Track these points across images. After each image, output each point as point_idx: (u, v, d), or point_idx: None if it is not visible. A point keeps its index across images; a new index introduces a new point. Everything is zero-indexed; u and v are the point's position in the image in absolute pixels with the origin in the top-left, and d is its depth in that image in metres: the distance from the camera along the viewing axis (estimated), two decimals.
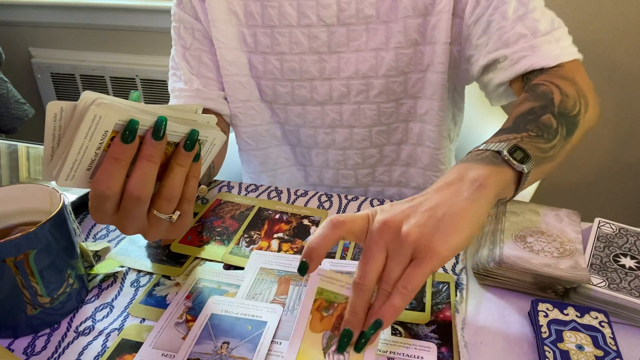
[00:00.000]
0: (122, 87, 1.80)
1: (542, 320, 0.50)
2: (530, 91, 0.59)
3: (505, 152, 0.48)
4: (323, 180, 0.86)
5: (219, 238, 0.64)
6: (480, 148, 0.50)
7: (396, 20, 0.71)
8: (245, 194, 0.75)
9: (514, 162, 0.48)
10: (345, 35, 0.73)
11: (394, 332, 0.50)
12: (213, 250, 0.62)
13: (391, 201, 0.73)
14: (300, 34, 0.74)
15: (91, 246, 0.62)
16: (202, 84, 0.78)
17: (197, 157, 0.48)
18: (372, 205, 0.72)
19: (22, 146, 0.85)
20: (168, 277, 0.58)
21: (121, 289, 0.57)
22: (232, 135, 0.88)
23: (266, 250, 0.62)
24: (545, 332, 0.48)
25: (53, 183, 0.77)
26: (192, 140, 0.46)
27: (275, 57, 0.76)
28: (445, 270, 0.59)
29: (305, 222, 0.68)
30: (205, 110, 0.78)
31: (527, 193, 0.92)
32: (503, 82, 0.67)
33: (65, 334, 0.51)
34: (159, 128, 0.43)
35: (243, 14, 0.75)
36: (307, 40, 0.74)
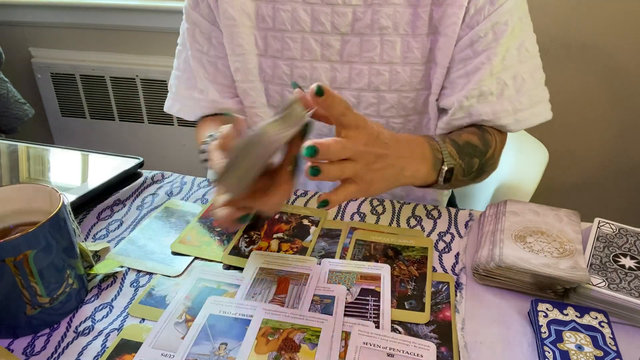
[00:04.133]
0: (122, 87, 1.80)
1: (542, 321, 0.50)
2: (481, 132, 0.71)
3: (445, 169, 0.62)
4: (322, 188, 0.86)
5: (219, 238, 0.64)
6: (441, 147, 0.63)
7: (414, 35, 0.69)
8: None
9: (441, 178, 0.63)
10: (358, 45, 0.72)
11: (394, 330, 0.50)
12: (213, 250, 0.62)
13: (393, 202, 0.73)
14: (313, 40, 0.72)
15: (91, 246, 0.62)
16: (218, 92, 0.79)
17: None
18: (371, 205, 0.72)
19: (22, 146, 0.85)
20: (168, 277, 0.58)
21: (121, 289, 0.57)
22: None
23: (266, 250, 0.62)
24: (545, 332, 0.48)
25: (53, 183, 0.77)
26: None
27: (285, 63, 0.75)
28: (445, 270, 0.59)
29: (305, 222, 0.68)
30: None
31: (527, 193, 0.92)
32: (455, 126, 0.73)
33: (65, 334, 0.51)
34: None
35: (254, 15, 0.73)
36: (319, 47, 0.73)
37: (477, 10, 0.66)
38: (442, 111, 0.75)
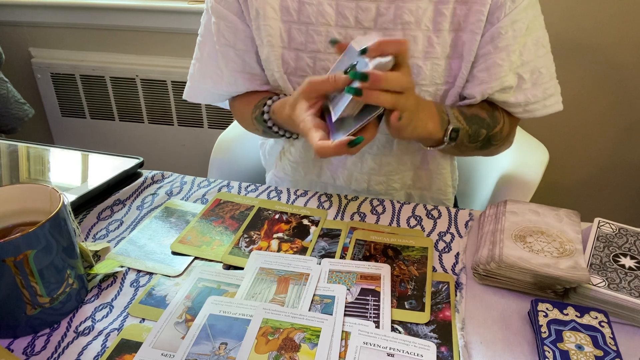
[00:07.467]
0: (122, 87, 1.80)
1: (542, 320, 0.50)
2: (491, 109, 0.76)
3: (450, 128, 0.68)
4: (336, 179, 0.86)
5: (218, 238, 0.64)
6: (447, 110, 0.70)
7: (436, 31, 0.71)
8: (245, 194, 0.75)
9: (447, 137, 0.68)
10: None
11: (394, 330, 0.50)
12: (213, 250, 0.62)
13: (394, 202, 0.72)
14: (337, 34, 0.74)
15: (91, 246, 0.62)
16: (247, 81, 0.81)
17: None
18: (371, 205, 0.72)
19: (22, 146, 0.85)
20: (168, 277, 0.58)
21: (121, 289, 0.57)
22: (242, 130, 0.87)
23: (266, 250, 0.62)
24: (545, 332, 0.48)
25: (53, 183, 0.76)
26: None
27: (308, 55, 0.76)
28: (445, 270, 0.59)
29: (305, 222, 0.68)
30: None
31: (527, 193, 0.92)
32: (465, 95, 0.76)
33: (65, 334, 0.51)
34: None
35: (279, 8, 0.75)
36: (343, 40, 0.73)
37: (498, 7, 0.68)
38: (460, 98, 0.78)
